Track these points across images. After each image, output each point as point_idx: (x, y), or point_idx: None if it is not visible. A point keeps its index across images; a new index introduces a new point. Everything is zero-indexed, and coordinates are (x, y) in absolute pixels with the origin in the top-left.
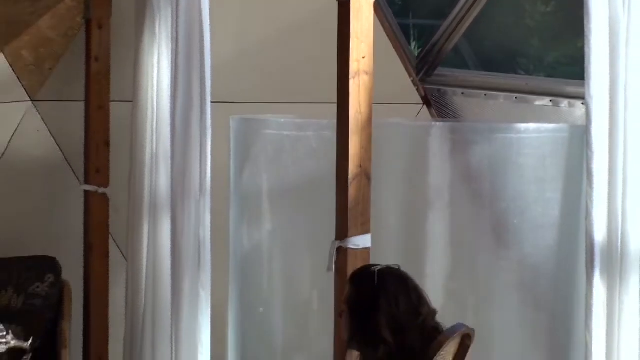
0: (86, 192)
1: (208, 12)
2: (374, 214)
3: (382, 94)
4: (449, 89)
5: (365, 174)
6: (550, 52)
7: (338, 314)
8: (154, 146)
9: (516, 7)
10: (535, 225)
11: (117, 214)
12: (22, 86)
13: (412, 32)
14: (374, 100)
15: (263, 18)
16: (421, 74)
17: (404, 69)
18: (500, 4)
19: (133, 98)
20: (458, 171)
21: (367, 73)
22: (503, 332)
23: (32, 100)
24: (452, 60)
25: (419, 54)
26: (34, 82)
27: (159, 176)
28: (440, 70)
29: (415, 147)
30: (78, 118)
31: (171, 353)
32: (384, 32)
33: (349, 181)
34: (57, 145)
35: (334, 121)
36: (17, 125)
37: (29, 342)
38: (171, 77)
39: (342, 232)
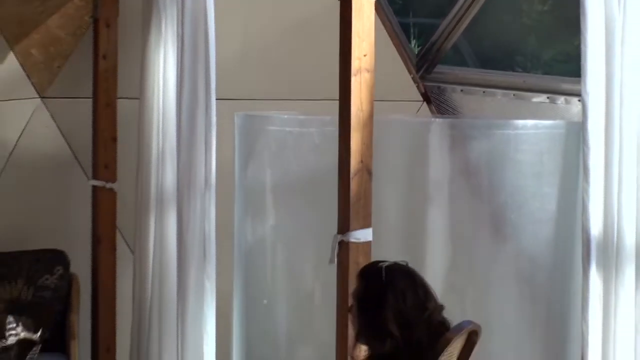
0: (94, 187)
1: (213, 11)
2: (375, 208)
3: (383, 91)
4: (448, 86)
5: (367, 169)
6: (547, 50)
7: (347, 309)
8: (160, 142)
9: (514, 6)
10: (533, 219)
11: (124, 208)
12: (32, 83)
13: (412, 31)
14: (375, 97)
15: (267, 17)
16: (421, 72)
17: (404, 67)
18: (498, 3)
19: (140, 95)
20: (457, 166)
21: (368, 71)
22: (501, 323)
23: (41, 97)
24: (451, 58)
25: (419, 52)
26: (44, 79)
27: (165, 171)
28: (439, 68)
29: (415, 142)
30: (86, 115)
31: (177, 343)
32: (385, 31)
33: (351, 176)
34: (66, 141)
35: (336, 118)
36: (27, 122)
37: (39, 333)
38: (177, 74)
39: (344, 226)
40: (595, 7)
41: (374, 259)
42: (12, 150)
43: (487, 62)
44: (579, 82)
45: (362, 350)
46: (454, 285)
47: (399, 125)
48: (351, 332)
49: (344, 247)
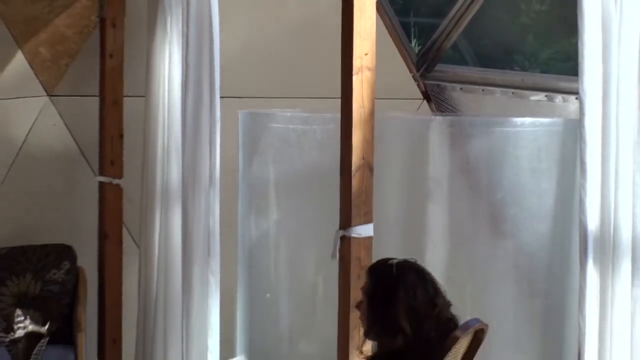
0: (101, 183)
1: (217, 11)
2: (376, 204)
3: (384, 89)
4: (448, 85)
5: (368, 166)
6: (545, 49)
7: (348, 303)
8: (165, 139)
9: (512, 6)
10: (531, 215)
11: (130, 204)
12: (40, 82)
13: (412, 30)
14: (376, 95)
15: (270, 17)
16: (421, 70)
17: (405, 65)
18: (497, 3)
19: (146, 93)
20: (457, 163)
21: (369, 69)
22: (499, 317)
23: (49, 95)
24: (451, 57)
25: (419, 51)
26: (51, 77)
27: (170, 168)
28: (439, 67)
29: (415, 140)
30: (93, 112)
31: (182, 336)
32: (386, 30)
33: (353, 172)
34: (74, 138)
35: (338, 115)
36: (35, 119)
37: (47, 327)
38: (182, 72)
39: (346, 222)
40: (593, 6)
41: (375, 254)
42: (21, 147)
43: (486, 61)
44: (576, 81)
45: (370, 346)
46: (454, 280)
47: (400, 123)
48: (354, 326)
49: (345, 243)
